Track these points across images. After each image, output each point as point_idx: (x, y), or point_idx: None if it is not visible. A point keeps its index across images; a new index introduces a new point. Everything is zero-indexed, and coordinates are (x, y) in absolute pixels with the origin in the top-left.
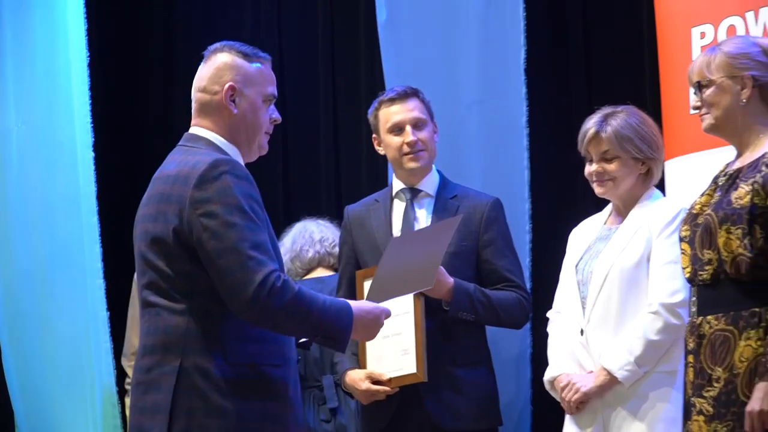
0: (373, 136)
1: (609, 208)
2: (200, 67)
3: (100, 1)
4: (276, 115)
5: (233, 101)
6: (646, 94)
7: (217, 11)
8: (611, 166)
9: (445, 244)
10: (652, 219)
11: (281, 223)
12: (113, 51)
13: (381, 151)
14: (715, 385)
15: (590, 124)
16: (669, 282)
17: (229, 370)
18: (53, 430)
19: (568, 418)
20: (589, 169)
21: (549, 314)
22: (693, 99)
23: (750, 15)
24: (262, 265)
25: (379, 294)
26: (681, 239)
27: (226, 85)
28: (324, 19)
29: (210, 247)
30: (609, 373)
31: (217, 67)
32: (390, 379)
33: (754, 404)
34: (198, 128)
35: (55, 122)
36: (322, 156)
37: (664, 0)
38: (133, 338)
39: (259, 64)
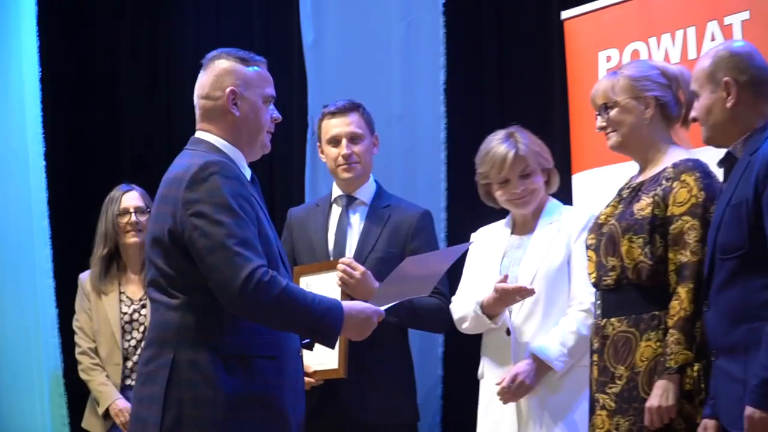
0: (318, 144)
1: (510, 219)
2: (200, 76)
3: (51, 14)
4: (276, 114)
5: (235, 105)
6: (555, 112)
7: (163, 27)
8: (530, 181)
9: (449, 263)
10: (567, 226)
11: None
12: (64, 63)
13: (323, 158)
14: (618, 382)
15: (502, 149)
16: (585, 291)
17: (220, 362)
18: (3, 418)
19: (485, 406)
20: (509, 189)
21: (461, 305)
22: (599, 120)
23: (653, 41)
24: (249, 261)
25: (379, 300)
26: (587, 247)
27: (228, 90)
28: (259, 41)
29: (200, 245)
30: (544, 363)
31: (217, 73)
32: (315, 372)
33: (653, 400)
34: (202, 132)
35: (8, 131)
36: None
37: (572, 26)
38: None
39: (256, 68)
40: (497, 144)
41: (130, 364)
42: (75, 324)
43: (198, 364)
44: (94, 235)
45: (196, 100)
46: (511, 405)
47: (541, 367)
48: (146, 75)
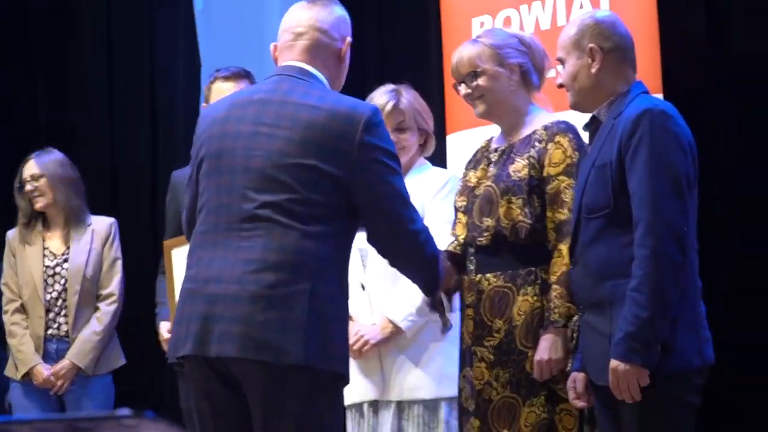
0: (203, 104)
1: None
2: (305, 10)
3: None
4: None
5: (347, 55)
6: (432, 74)
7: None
8: (404, 136)
9: None
10: (425, 185)
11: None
12: None
13: None
14: (495, 335)
15: (383, 98)
16: (446, 239)
17: (343, 299)
18: None
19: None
20: None
21: None
22: (463, 88)
23: (524, 8)
24: (418, 215)
25: None
26: (456, 209)
27: (348, 39)
28: (148, 8)
29: (380, 189)
30: (394, 324)
31: (338, 17)
32: None
33: (542, 353)
34: (308, 66)
35: None
36: (143, 138)
37: None
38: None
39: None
40: (381, 95)
41: (51, 315)
42: (2, 281)
43: (333, 298)
44: None
45: (305, 29)
46: (376, 364)
47: (388, 326)
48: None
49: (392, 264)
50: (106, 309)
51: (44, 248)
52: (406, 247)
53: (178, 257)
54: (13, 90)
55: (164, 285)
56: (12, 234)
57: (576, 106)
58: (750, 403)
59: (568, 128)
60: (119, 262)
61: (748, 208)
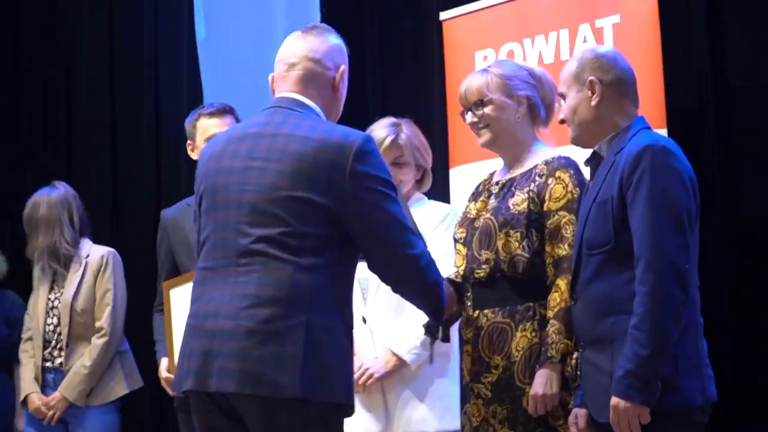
0: (188, 142)
1: None
2: (300, 39)
3: None
4: None
5: (341, 83)
6: (435, 107)
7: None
8: (402, 171)
9: None
10: (423, 220)
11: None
12: None
13: (194, 156)
14: (494, 371)
15: (383, 132)
16: (446, 272)
17: (343, 329)
18: None
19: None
20: None
21: None
22: (469, 116)
23: (527, 41)
24: (419, 239)
25: None
26: (456, 240)
27: (342, 68)
28: (149, 37)
29: (375, 218)
30: (398, 357)
31: (332, 46)
32: None
33: (537, 388)
34: (301, 96)
35: None
36: (145, 163)
37: (451, 27)
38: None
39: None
40: (381, 128)
41: (49, 347)
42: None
43: (333, 329)
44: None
45: (298, 60)
46: (379, 398)
47: (392, 359)
48: (44, 73)
49: (395, 290)
50: (96, 342)
51: (53, 282)
52: (406, 272)
53: (176, 297)
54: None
55: (161, 323)
56: (37, 267)
57: (576, 141)
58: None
59: (569, 163)
60: (110, 294)
61: (750, 237)
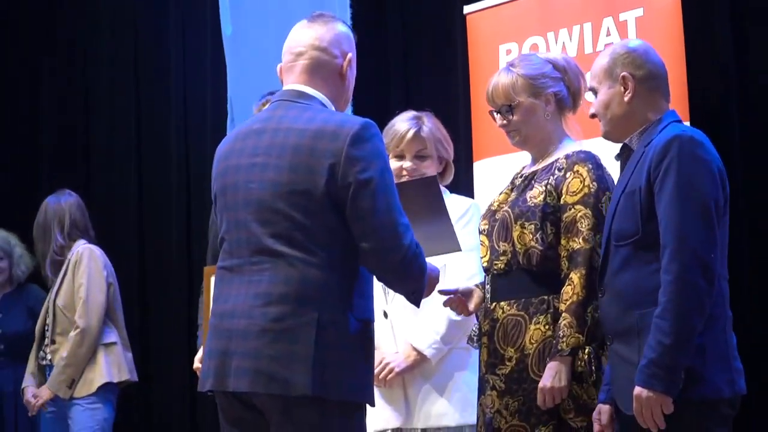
0: None
1: None
2: (306, 28)
3: None
4: None
5: (349, 71)
6: (458, 102)
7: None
8: (424, 164)
9: (441, 205)
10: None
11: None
12: None
13: None
14: (507, 363)
15: (405, 125)
16: (467, 267)
17: (357, 325)
18: None
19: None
20: (401, 164)
21: None
22: (499, 119)
23: (550, 35)
24: (408, 230)
25: None
26: (480, 232)
27: (349, 55)
28: (176, 31)
29: (367, 205)
30: (419, 351)
31: (338, 33)
32: None
33: (546, 381)
34: (304, 86)
35: None
36: (173, 163)
37: (474, 21)
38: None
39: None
40: (402, 121)
41: (42, 345)
42: None
43: (343, 325)
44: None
45: (305, 48)
46: (400, 393)
47: (413, 353)
48: (64, 68)
49: (378, 279)
50: (70, 336)
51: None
52: (392, 262)
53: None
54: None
55: (202, 306)
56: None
57: (608, 136)
58: None
59: (588, 158)
60: (83, 288)
61: None
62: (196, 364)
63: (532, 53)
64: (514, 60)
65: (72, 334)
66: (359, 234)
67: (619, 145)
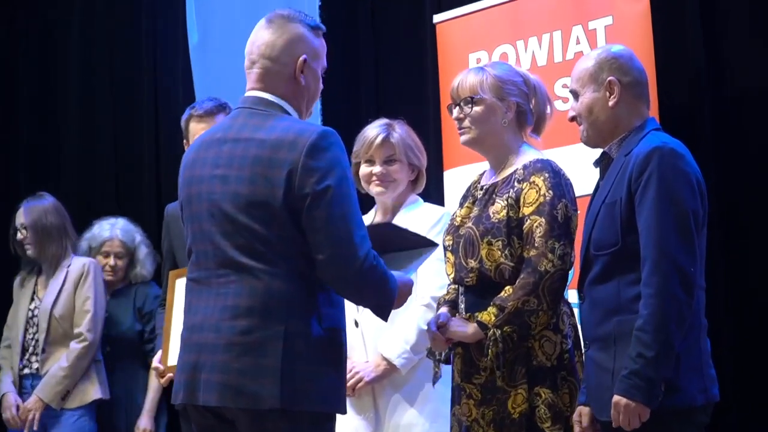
0: (184, 141)
1: (375, 208)
2: (263, 31)
3: None
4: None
5: (302, 73)
6: (428, 111)
7: (51, 25)
8: (393, 168)
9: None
10: (417, 222)
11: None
12: None
13: None
14: (482, 373)
15: (375, 131)
16: (437, 277)
17: (325, 335)
18: None
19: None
20: (371, 170)
21: None
22: (456, 111)
23: (520, 44)
24: (365, 241)
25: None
26: (445, 248)
27: (300, 59)
28: (147, 40)
29: (323, 214)
30: (389, 361)
31: (290, 38)
32: (171, 366)
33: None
34: (264, 93)
35: None
36: (145, 165)
37: (444, 29)
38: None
39: (321, 38)
40: (373, 127)
41: (27, 354)
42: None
43: (310, 336)
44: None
45: (256, 57)
46: (369, 402)
47: (383, 363)
48: (36, 74)
49: (337, 293)
50: (74, 346)
51: (33, 292)
52: (346, 273)
53: (181, 288)
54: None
55: (162, 317)
56: (17, 279)
57: (589, 141)
58: None
59: (544, 167)
60: (90, 301)
61: (744, 238)
62: (155, 364)
63: (506, 63)
64: (488, 63)
65: (77, 345)
66: (314, 245)
67: (595, 152)
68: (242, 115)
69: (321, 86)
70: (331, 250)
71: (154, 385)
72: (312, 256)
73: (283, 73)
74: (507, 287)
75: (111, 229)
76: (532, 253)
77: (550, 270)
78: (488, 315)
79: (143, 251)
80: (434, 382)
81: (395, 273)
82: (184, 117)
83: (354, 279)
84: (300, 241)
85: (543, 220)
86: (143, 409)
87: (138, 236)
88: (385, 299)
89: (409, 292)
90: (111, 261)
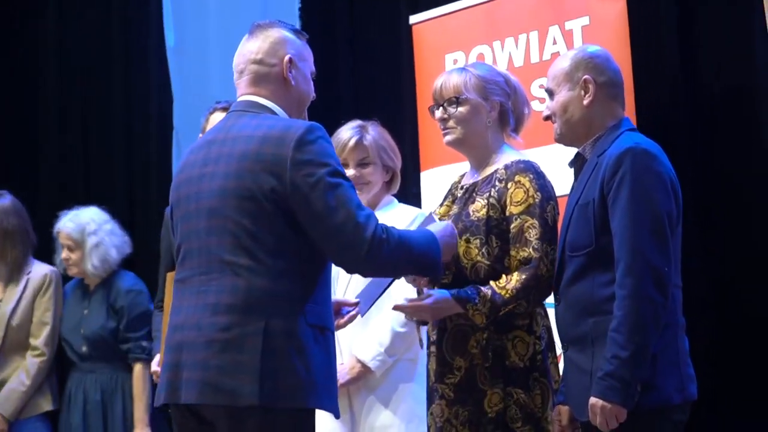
0: (200, 136)
1: None
2: (246, 43)
3: None
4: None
5: (290, 73)
6: (406, 110)
7: (25, 28)
8: (367, 171)
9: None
10: (392, 222)
11: None
12: None
13: None
14: (456, 373)
15: (348, 134)
16: None
17: (309, 331)
18: None
19: None
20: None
21: None
22: (440, 112)
23: (497, 44)
24: (369, 220)
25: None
26: None
27: (286, 58)
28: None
29: (319, 206)
30: (363, 363)
31: (273, 41)
32: None
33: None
34: (255, 96)
35: None
36: (116, 164)
37: (420, 30)
38: None
39: (305, 41)
40: (346, 130)
41: None
42: None
43: (293, 333)
44: None
45: (244, 65)
46: (345, 404)
47: (357, 365)
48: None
49: (366, 276)
50: (32, 361)
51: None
52: (358, 258)
53: None
54: None
55: (160, 319)
56: None
57: (562, 139)
58: None
59: (528, 168)
60: (49, 314)
61: (720, 238)
62: (154, 368)
63: (489, 64)
64: (469, 63)
65: (36, 360)
66: (319, 239)
67: (572, 151)
68: (233, 118)
69: (312, 90)
70: (336, 240)
71: (142, 390)
72: (321, 251)
73: (271, 74)
74: (505, 277)
75: (63, 221)
76: (530, 254)
77: (545, 275)
78: (480, 316)
79: (89, 245)
80: (422, 345)
81: (428, 227)
82: (205, 113)
83: (371, 261)
84: (289, 237)
85: (536, 222)
86: (135, 419)
87: (90, 227)
88: (420, 263)
89: (453, 235)
90: (64, 254)
